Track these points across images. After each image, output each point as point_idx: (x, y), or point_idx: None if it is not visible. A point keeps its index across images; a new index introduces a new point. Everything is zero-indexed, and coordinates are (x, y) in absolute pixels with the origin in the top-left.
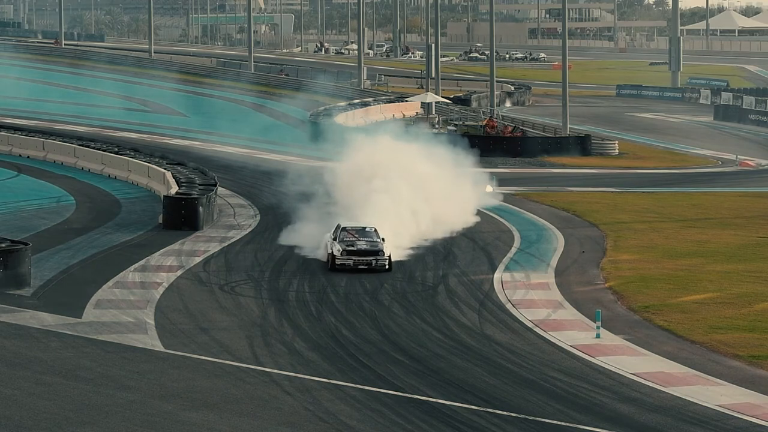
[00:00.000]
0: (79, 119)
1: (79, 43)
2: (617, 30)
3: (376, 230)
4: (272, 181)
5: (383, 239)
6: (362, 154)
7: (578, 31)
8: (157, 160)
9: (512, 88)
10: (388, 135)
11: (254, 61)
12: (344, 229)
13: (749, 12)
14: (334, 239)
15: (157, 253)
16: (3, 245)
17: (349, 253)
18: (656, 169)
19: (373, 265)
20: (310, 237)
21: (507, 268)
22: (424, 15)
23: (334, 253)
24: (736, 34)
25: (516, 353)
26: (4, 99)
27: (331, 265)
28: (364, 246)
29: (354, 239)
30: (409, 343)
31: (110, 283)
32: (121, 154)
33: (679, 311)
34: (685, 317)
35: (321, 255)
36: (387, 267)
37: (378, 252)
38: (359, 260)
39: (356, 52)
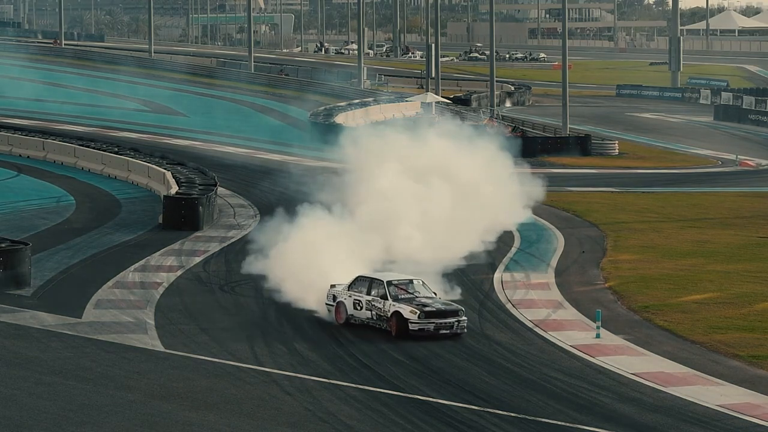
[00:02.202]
0: (79, 119)
1: (79, 43)
2: (617, 30)
3: (424, 282)
4: (272, 180)
5: (435, 293)
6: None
7: (578, 31)
8: (157, 160)
9: (512, 88)
10: (399, 133)
11: (254, 61)
12: (390, 283)
13: (749, 12)
14: (383, 297)
15: (157, 253)
16: (3, 245)
17: (428, 315)
18: (656, 169)
19: (455, 328)
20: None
21: (507, 268)
22: (424, 15)
23: (407, 317)
24: (736, 34)
25: (516, 353)
26: (4, 99)
27: (397, 331)
28: (442, 306)
29: (411, 296)
30: (409, 343)
31: (110, 283)
32: (121, 154)
33: (679, 311)
34: (685, 317)
35: (322, 308)
36: (465, 330)
37: (458, 312)
38: (441, 323)
39: (356, 52)
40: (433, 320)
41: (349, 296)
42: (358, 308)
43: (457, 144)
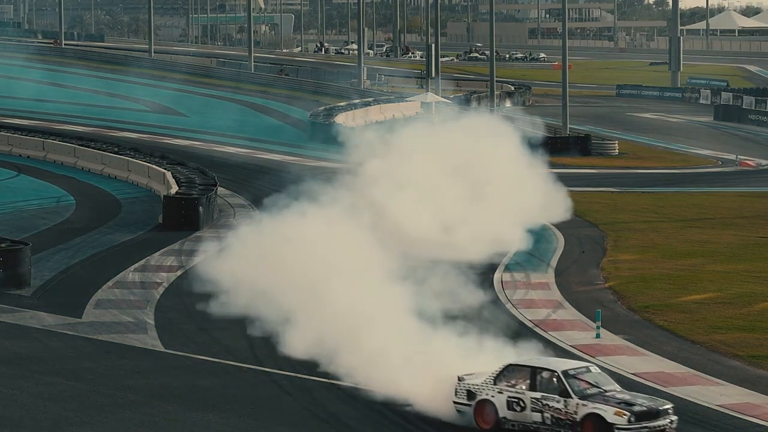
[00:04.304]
0: (79, 119)
1: (79, 43)
2: (617, 30)
3: (599, 368)
4: (273, 180)
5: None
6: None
7: (578, 31)
8: (157, 160)
9: (512, 88)
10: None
11: (254, 61)
12: (568, 374)
13: (749, 12)
14: (562, 394)
15: (157, 253)
16: (3, 245)
17: (640, 417)
18: (656, 169)
19: (667, 431)
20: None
21: (507, 268)
22: (424, 15)
23: (612, 421)
24: (736, 34)
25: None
26: (4, 99)
27: None
28: (651, 404)
29: (597, 389)
30: None
31: (110, 283)
32: (121, 154)
33: (679, 311)
34: (685, 317)
35: (439, 406)
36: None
37: (669, 411)
38: (655, 427)
39: (356, 52)
40: (645, 424)
41: (500, 392)
42: (518, 409)
43: (490, 142)
